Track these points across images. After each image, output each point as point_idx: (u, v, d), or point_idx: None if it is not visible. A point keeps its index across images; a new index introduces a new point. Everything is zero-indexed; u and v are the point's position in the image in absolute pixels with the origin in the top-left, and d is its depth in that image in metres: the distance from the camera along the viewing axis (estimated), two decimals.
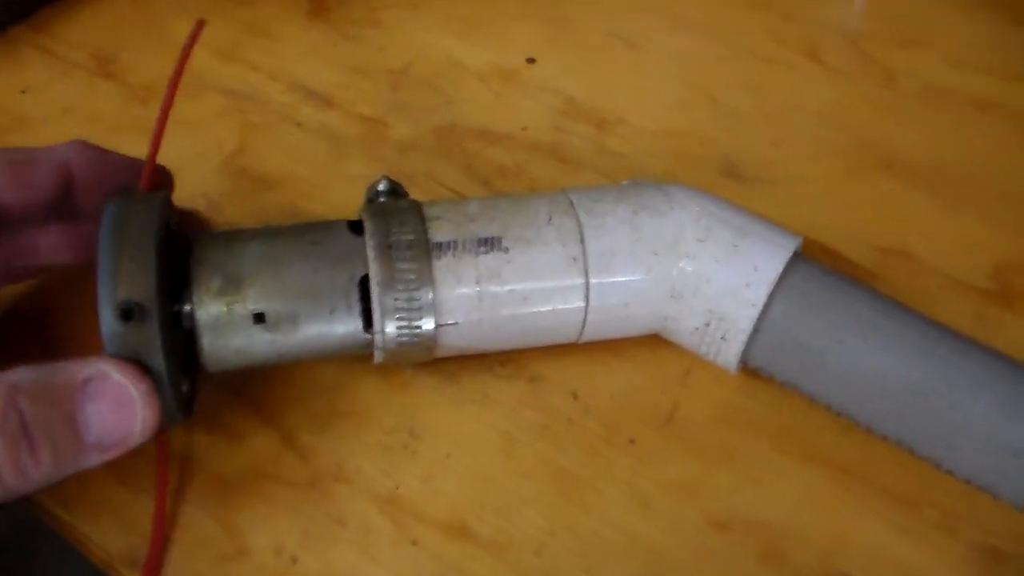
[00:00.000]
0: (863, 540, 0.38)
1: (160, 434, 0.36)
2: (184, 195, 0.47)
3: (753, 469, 0.40)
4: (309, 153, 0.50)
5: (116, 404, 0.33)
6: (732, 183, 0.49)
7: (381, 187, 0.41)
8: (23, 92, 0.52)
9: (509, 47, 0.54)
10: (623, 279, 0.39)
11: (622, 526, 0.39)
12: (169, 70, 0.38)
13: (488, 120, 0.51)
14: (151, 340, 0.34)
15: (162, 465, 0.38)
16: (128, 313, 0.33)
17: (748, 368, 0.40)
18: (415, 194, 0.47)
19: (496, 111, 0.51)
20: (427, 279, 0.37)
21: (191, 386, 0.38)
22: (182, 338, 0.37)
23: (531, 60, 0.54)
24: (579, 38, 0.55)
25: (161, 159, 0.48)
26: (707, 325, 0.39)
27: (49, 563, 0.38)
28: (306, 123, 0.51)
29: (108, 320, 0.34)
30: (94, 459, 0.34)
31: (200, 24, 0.42)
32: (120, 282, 0.34)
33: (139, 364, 0.34)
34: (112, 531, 0.38)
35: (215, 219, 0.47)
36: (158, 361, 0.34)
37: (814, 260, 0.39)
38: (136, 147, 0.49)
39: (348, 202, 0.47)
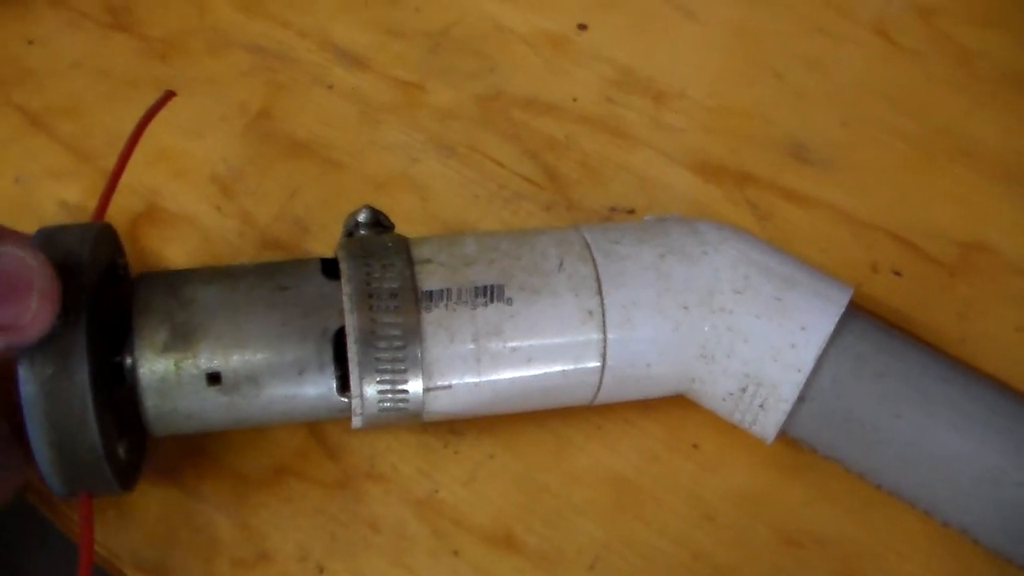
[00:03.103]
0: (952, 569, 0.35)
1: (84, 498, 0.31)
2: (203, 160, 0.44)
3: (825, 481, 0.37)
4: (341, 118, 0.46)
5: (7, 278, 0.27)
6: (801, 166, 0.45)
7: (362, 218, 0.35)
8: (30, 43, 0.47)
9: (558, 11, 0.50)
10: (646, 336, 0.33)
11: (684, 540, 0.36)
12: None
13: (536, 89, 0.47)
14: (75, 305, 0.29)
15: (85, 533, 0.31)
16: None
17: (788, 439, 0.36)
18: (457, 167, 0.44)
19: (545, 79, 0.47)
20: (414, 335, 0.31)
21: (133, 451, 0.33)
22: (122, 395, 0.31)
23: (582, 26, 0.50)
24: (633, 5, 0.51)
25: (178, 118, 0.45)
26: (743, 391, 0.34)
27: (51, 560, 0.34)
28: (338, 85, 0.47)
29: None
30: None
31: (168, 95, 0.39)
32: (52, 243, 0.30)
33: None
34: (117, 529, 0.35)
35: (236, 187, 0.43)
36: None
37: (867, 315, 0.35)
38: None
39: (382, 172, 0.44)
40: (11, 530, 0.36)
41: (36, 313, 0.27)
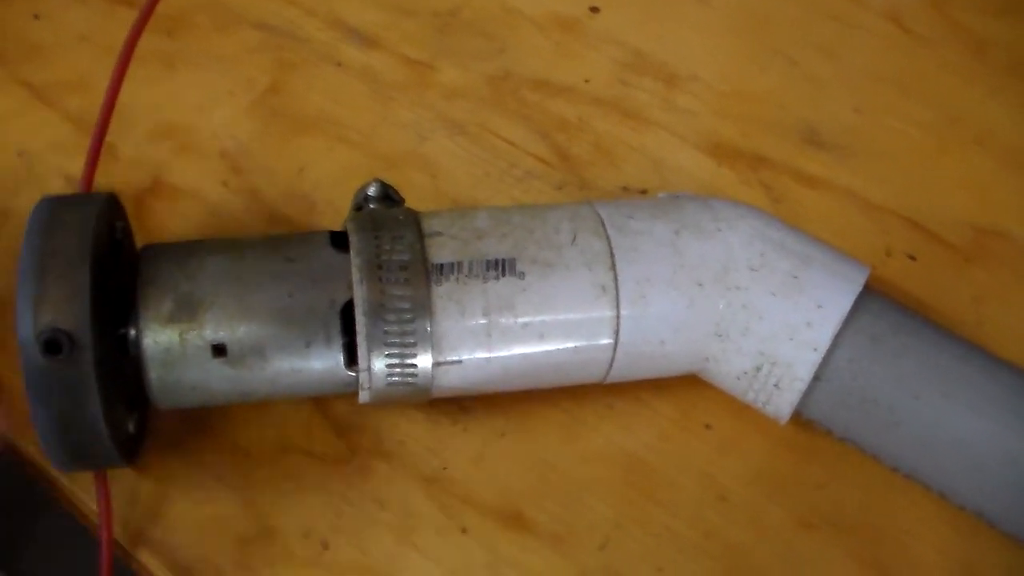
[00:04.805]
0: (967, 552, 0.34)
1: (100, 476, 0.32)
2: (210, 135, 0.43)
3: (840, 462, 0.36)
4: (350, 95, 0.45)
5: None
6: (814, 150, 0.45)
7: (371, 191, 0.34)
8: (36, 17, 0.47)
9: None
10: (660, 313, 0.33)
11: (696, 520, 0.35)
12: None
13: (547, 70, 0.47)
14: (84, 380, 0.28)
15: (104, 511, 0.32)
16: (54, 345, 0.27)
17: (802, 419, 0.35)
18: (467, 145, 0.43)
19: (556, 61, 0.47)
20: (424, 308, 0.31)
21: (136, 424, 0.32)
22: (128, 367, 0.31)
23: (594, 9, 0.49)
24: None
25: (185, 94, 0.44)
26: (757, 369, 0.33)
27: (46, 531, 0.33)
28: (347, 63, 0.46)
29: (29, 354, 0.28)
30: None
31: None
32: (44, 306, 0.28)
33: None
34: (118, 503, 0.34)
35: (243, 163, 0.42)
36: (94, 407, 0.28)
37: (884, 295, 0.35)
38: (157, 79, 0.44)
39: (392, 150, 0.43)
40: (8, 498, 0.35)
41: None
